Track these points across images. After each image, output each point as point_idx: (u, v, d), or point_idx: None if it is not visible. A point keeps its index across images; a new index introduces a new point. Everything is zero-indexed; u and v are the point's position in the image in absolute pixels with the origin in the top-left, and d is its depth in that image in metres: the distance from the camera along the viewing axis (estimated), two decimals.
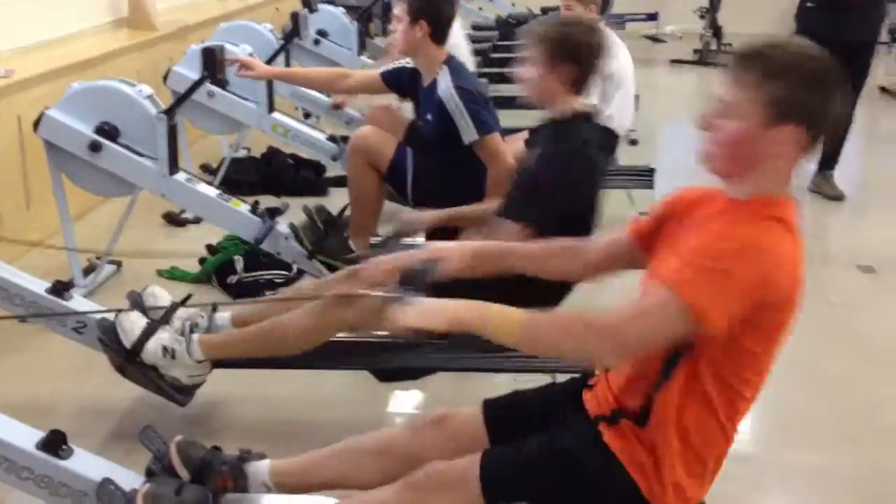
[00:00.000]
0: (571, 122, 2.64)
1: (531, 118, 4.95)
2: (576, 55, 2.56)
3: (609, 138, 4.42)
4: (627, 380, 1.74)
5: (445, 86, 3.32)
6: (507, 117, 4.94)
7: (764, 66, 1.58)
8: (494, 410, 1.95)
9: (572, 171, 2.59)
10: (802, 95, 1.56)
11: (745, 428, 2.84)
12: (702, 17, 9.56)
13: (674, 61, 9.33)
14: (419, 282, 1.80)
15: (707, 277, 1.53)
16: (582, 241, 2.03)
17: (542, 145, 2.67)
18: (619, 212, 4.67)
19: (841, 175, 5.85)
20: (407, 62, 3.60)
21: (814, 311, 3.63)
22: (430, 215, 3.17)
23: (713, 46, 9.44)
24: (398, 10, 3.42)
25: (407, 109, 3.93)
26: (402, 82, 3.62)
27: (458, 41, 4.49)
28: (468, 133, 3.28)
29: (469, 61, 4.49)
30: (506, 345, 1.62)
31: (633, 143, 5.78)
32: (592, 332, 1.57)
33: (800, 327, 3.62)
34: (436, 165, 3.47)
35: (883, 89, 8.04)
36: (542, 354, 1.80)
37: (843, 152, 6.37)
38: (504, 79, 6.88)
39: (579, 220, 2.60)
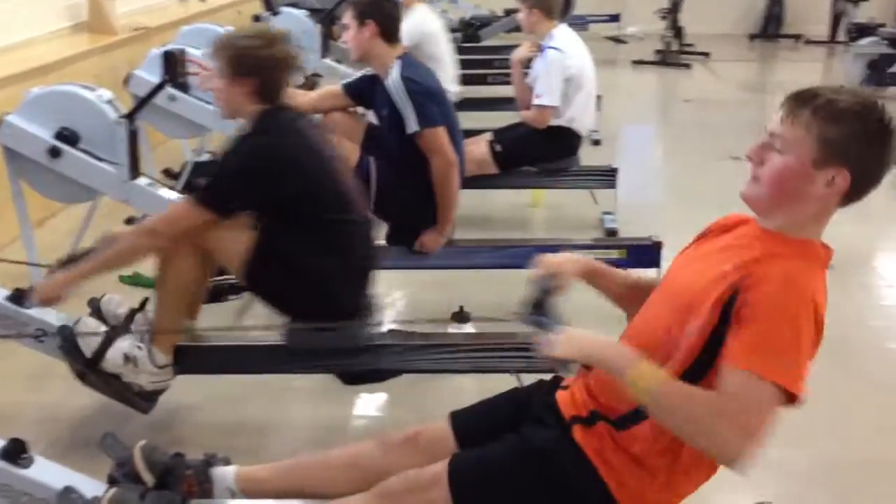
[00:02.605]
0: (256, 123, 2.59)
1: (498, 119, 4.99)
2: (255, 69, 2.53)
3: (571, 139, 4.47)
4: (614, 385, 1.71)
5: (394, 77, 3.37)
6: (471, 119, 4.97)
7: (823, 107, 1.61)
8: (462, 420, 1.96)
9: (251, 161, 2.53)
10: (855, 143, 1.59)
11: None
12: (663, 18, 9.66)
13: (636, 62, 9.41)
14: (548, 306, 1.79)
15: (782, 352, 1.55)
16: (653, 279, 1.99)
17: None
18: (582, 211, 4.73)
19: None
20: (367, 70, 3.62)
21: None
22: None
23: (674, 47, 9.53)
24: (346, 18, 3.50)
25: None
26: (363, 90, 3.65)
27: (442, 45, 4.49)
28: (410, 123, 3.33)
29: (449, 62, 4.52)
30: (633, 395, 1.61)
31: (596, 143, 5.83)
32: (722, 422, 1.53)
33: None
34: (395, 171, 3.49)
35: None
36: (664, 422, 1.62)
37: None
38: (468, 80, 6.91)
39: (312, 204, 2.56)
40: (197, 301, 2.72)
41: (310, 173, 2.57)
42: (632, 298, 1.95)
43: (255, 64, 2.54)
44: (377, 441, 1.99)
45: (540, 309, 1.79)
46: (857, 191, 1.63)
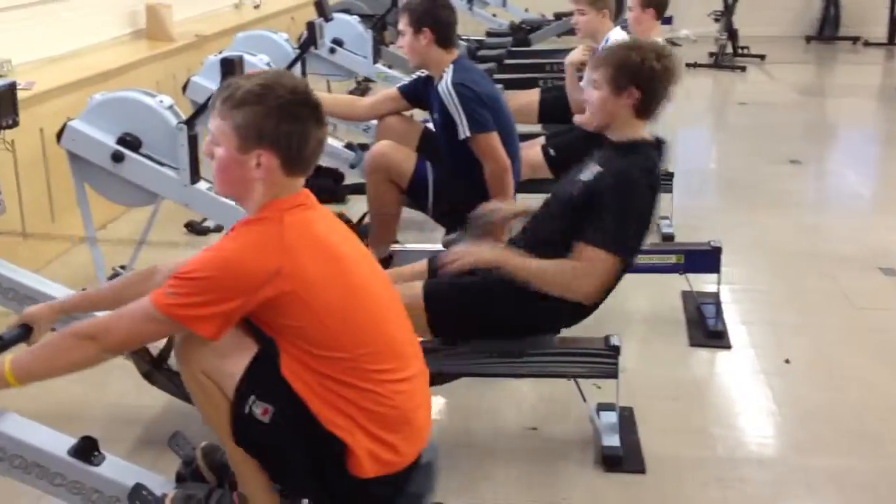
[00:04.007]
0: (635, 147, 2.58)
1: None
2: (640, 79, 2.51)
3: None
4: None
5: (445, 82, 3.38)
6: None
7: (230, 96, 1.79)
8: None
9: (647, 194, 2.52)
10: (266, 122, 1.77)
11: (768, 431, 2.87)
12: (716, 20, 9.54)
13: (689, 65, 9.30)
14: None
15: (184, 290, 1.74)
16: (152, 265, 2.14)
17: (604, 166, 2.56)
18: None
19: (860, 176, 5.85)
20: (422, 72, 3.64)
21: (835, 314, 3.66)
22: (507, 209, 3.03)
23: (728, 49, 9.41)
24: (402, 24, 3.51)
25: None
26: (419, 92, 3.66)
27: None
28: (462, 128, 3.34)
29: None
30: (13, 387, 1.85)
31: None
32: (79, 340, 1.81)
33: (821, 329, 3.65)
34: (452, 175, 3.49)
35: None
36: (55, 376, 1.89)
37: (863, 152, 6.40)
38: (519, 84, 6.91)
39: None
40: None
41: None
42: (127, 294, 2.04)
43: (641, 76, 2.51)
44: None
45: None
46: (291, 163, 1.80)
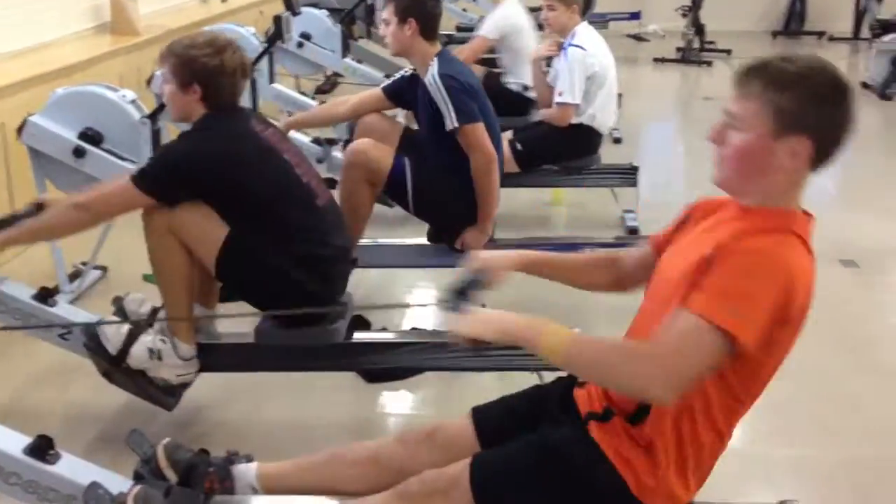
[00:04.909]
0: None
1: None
2: (200, 76, 2.55)
3: (592, 137, 4.46)
4: None
5: (432, 74, 3.37)
6: None
7: (772, 77, 1.59)
8: (484, 417, 1.95)
9: (188, 152, 2.57)
10: (810, 107, 1.57)
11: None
12: (684, 15, 9.60)
13: (657, 60, 9.37)
14: (468, 294, 1.86)
15: (736, 302, 1.52)
16: (618, 252, 2.01)
17: None
18: (603, 210, 4.72)
19: (825, 171, 5.91)
20: (405, 71, 3.63)
21: None
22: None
23: (696, 45, 9.47)
24: (386, 13, 3.47)
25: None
26: (403, 91, 3.64)
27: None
28: (449, 120, 3.34)
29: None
30: (551, 363, 1.61)
31: (617, 141, 5.81)
32: (640, 360, 1.53)
33: None
34: (434, 171, 3.49)
35: (864, 85, 8.09)
36: (588, 378, 1.71)
37: None
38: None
39: (265, 199, 2.56)
40: (208, 290, 2.74)
41: (254, 167, 2.56)
42: (591, 274, 1.99)
43: (201, 72, 2.55)
44: (397, 437, 2.00)
45: (461, 297, 1.85)
46: (822, 155, 1.61)
